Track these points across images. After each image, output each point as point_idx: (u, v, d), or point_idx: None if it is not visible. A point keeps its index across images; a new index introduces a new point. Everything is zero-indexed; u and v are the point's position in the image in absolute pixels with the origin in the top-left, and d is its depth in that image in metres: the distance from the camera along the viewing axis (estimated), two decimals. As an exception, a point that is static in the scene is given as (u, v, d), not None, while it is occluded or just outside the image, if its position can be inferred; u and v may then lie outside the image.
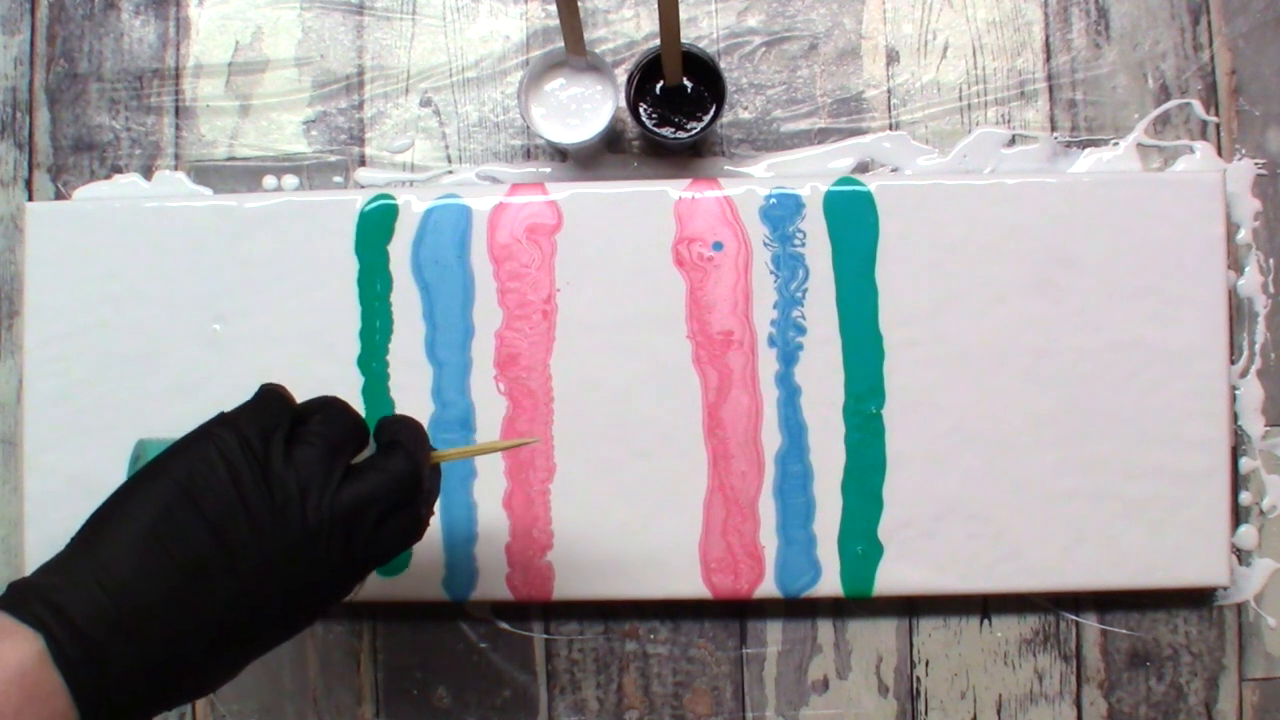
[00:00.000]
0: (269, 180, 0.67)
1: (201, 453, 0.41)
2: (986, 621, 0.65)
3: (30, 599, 0.38)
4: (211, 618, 0.40)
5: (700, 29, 0.67)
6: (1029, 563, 0.62)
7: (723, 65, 0.66)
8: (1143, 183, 0.63)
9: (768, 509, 0.63)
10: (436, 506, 0.55)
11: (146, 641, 0.39)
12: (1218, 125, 0.66)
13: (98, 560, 0.39)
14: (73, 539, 0.40)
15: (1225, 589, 0.64)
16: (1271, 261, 0.66)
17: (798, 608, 0.65)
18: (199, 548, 0.40)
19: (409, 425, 0.46)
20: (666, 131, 0.63)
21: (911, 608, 0.65)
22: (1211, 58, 0.66)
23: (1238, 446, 0.65)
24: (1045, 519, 0.62)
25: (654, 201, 0.64)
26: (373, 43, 0.68)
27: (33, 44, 0.69)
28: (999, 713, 0.65)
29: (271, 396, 0.44)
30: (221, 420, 0.42)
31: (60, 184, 0.68)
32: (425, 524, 0.46)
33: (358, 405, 0.63)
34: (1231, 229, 0.65)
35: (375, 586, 0.63)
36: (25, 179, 0.68)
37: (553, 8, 0.67)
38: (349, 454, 0.44)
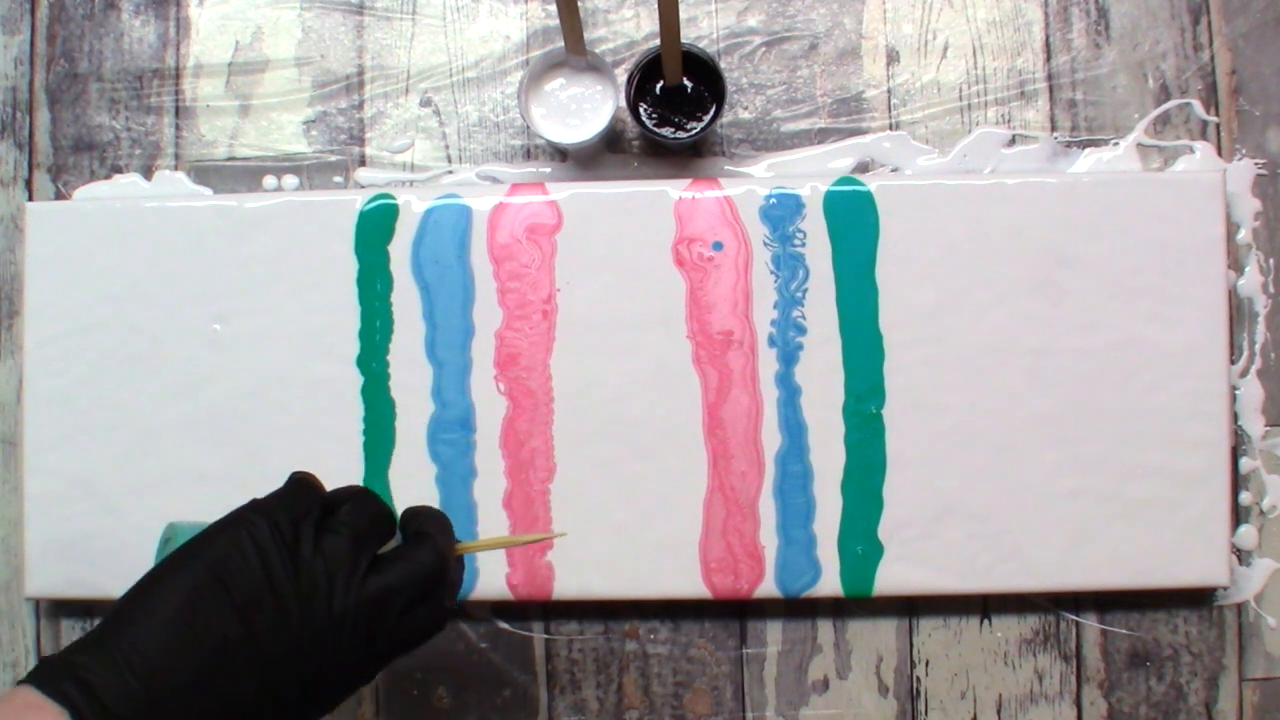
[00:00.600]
0: (269, 180, 0.67)
1: (233, 538, 0.42)
2: (986, 621, 0.65)
3: (60, 676, 0.39)
4: (235, 701, 0.41)
5: (700, 29, 0.67)
6: (1029, 563, 0.62)
7: (723, 65, 0.66)
8: (1143, 183, 0.63)
9: (768, 509, 0.63)
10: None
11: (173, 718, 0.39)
12: (1218, 125, 0.66)
13: (128, 641, 0.40)
14: (104, 619, 0.41)
15: (1225, 589, 0.64)
16: (1271, 261, 0.66)
17: (798, 608, 0.65)
18: (227, 632, 0.40)
19: (436, 518, 0.48)
20: (666, 131, 0.63)
21: (911, 608, 0.65)
22: (1211, 58, 0.66)
23: (1238, 446, 0.65)
24: (1045, 519, 0.62)
25: (654, 201, 0.64)
26: (373, 43, 0.68)
27: (33, 44, 0.69)
28: (999, 713, 0.65)
29: (302, 485, 0.46)
30: (254, 507, 0.44)
31: (60, 184, 0.68)
32: (448, 615, 0.47)
33: (357, 405, 0.63)
34: (1231, 229, 0.65)
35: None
36: (25, 179, 0.68)
37: (553, 8, 0.67)
38: (376, 544, 0.45)
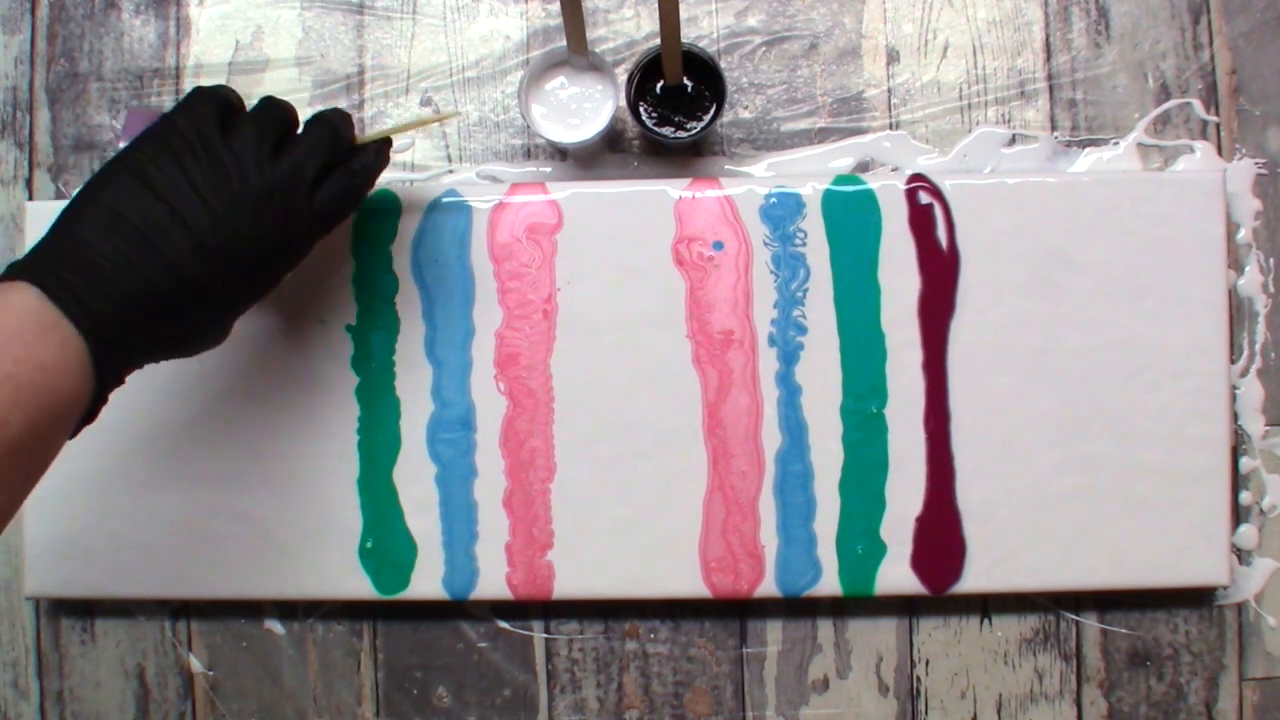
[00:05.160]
0: (269, 180, 0.67)
1: (151, 142, 0.50)
2: (986, 621, 0.65)
3: (22, 266, 0.47)
4: (170, 264, 0.48)
5: (700, 28, 0.67)
6: (1029, 563, 0.62)
7: (723, 65, 0.66)
8: (1143, 183, 0.63)
9: (768, 508, 0.63)
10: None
11: (117, 284, 0.47)
12: (1218, 125, 0.66)
13: (70, 233, 0.48)
14: (53, 222, 0.49)
15: (1225, 589, 0.64)
16: (1271, 261, 0.66)
17: (798, 607, 0.65)
18: (152, 212, 0.48)
19: (331, 108, 0.55)
20: (666, 131, 0.63)
21: (911, 608, 0.65)
22: (1212, 57, 0.66)
23: (1238, 446, 0.65)
24: (1045, 519, 0.62)
25: (654, 201, 0.64)
26: (373, 42, 0.68)
27: (33, 43, 0.69)
28: (999, 713, 0.65)
29: (201, 94, 0.51)
30: (166, 116, 0.51)
31: (60, 183, 0.68)
32: (361, 193, 0.54)
33: (354, 407, 0.63)
34: (1231, 229, 0.65)
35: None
36: (25, 178, 0.68)
37: (553, 7, 0.67)
38: (278, 133, 0.51)
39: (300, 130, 0.53)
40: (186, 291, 0.48)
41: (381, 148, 0.56)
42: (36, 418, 0.44)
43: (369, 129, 0.68)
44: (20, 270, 0.47)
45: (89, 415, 0.49)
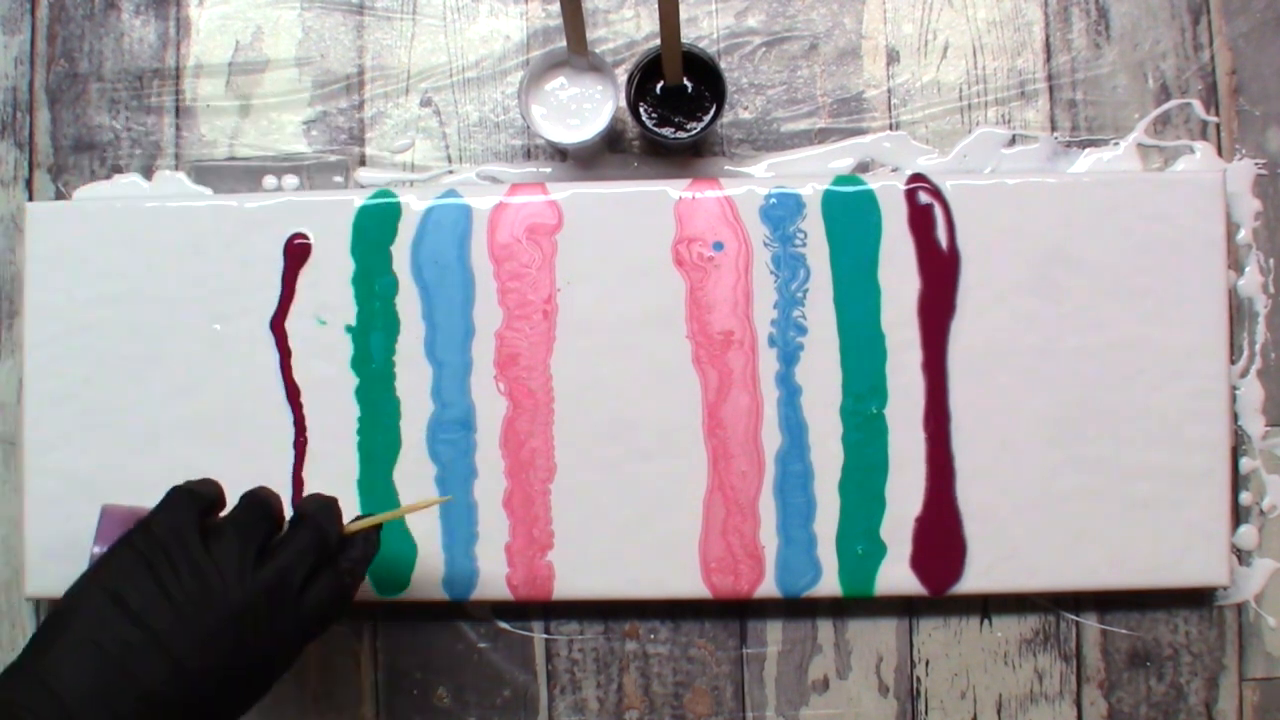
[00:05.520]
0: (269, 180, 0.67)
1: (123, 556, 0.47)
2: (986, 621, 0.65)
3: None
4: (148, 696, 0.44)
5: (700, 29, 0.67)
6: (1029, 563, 0.62)
7: (723, 65, 0.66)
8: (1143, 183, 0.63)
9: (768, 509, 0.63)
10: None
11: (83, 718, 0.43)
12: (1218, 125, 0.66)
13: (42, 665, 0.44)
14: (22, 651, 0.45)
15: (1225, 589, 0.64)
16: (1271, 261, 0.66)
17: (798, 607, 0.65)
18: (128, 637, 0.45)
19: (316, 499, 0.52)
20: (666, 131, 0.63)
21: (911, 608, 0.65)
22: (1212, 58, 0.66)
23: (1238, 446, 0.65)
24: (1045, 519, 0.62)
25: (654, 201, 0.64)
26: (373, 43, 0.68)
27: (33, 44, 0.69)
28: (999, 713, 0.65)
29: (179, 496, 0.49)
30: (140, 526, 0.48)
31: (60, 184, 0.68)
32: (352, 590, 0.51)
33: (353, 407, 0.63)
34: (1231, 229, 0.65)
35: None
36: (25, 179, 0.68)
37: (553, 7, 0.67)
38: (261, 536, 0.49)
39: (285, 530, 0.50)
40: (163, 717, 0.45)
41: (371, 536, 0.53)
42: None
43: (369, 130, 0.68)
44: None
45: None
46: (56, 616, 0.46)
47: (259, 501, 0.50)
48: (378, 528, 0.53)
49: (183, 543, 0.47)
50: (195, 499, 0.49)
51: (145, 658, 0.44)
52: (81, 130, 0.68)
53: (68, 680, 0.44)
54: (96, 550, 0.52)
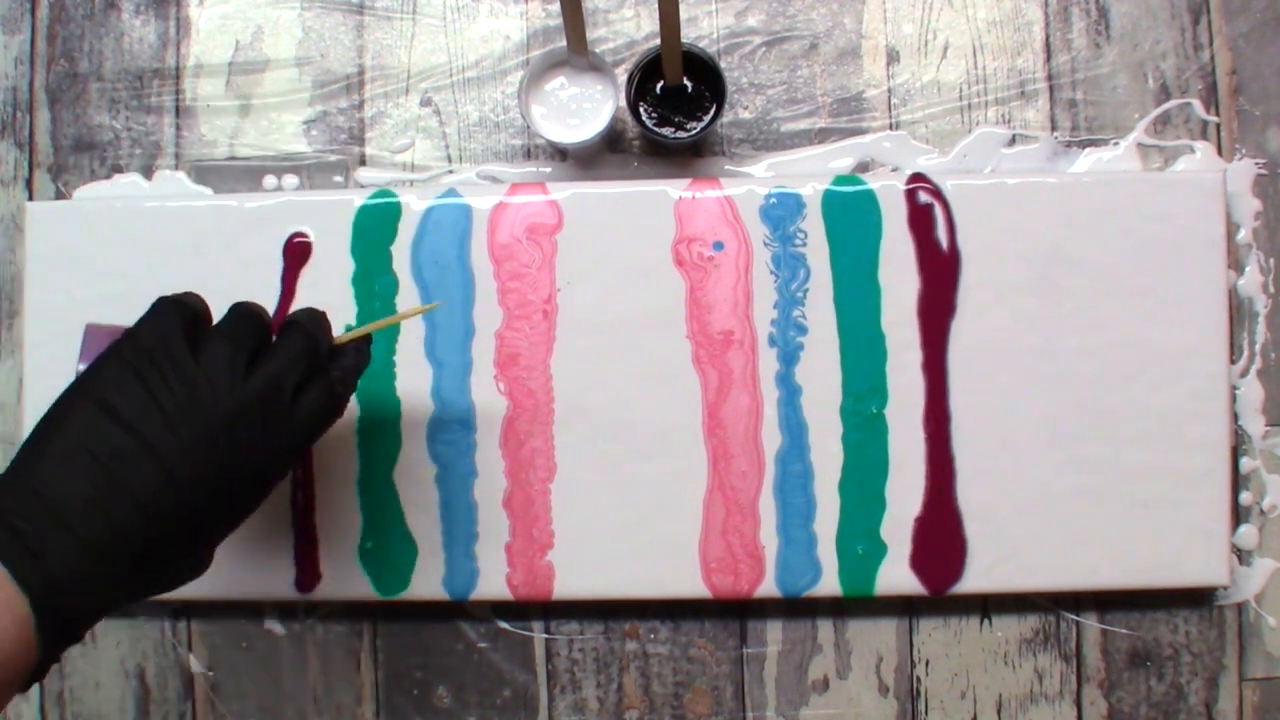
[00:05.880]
0: (269, 180, 0.67)
1: (111, 366, 0.45)
2: (986, 621, 0.65)
3: None
4: (142, 503, 0.43)
5: (700, 29, 0.67)
6: (1029, 563, 0.62)
7: (723, 65, 0.66)
8: (1143, 183, 0.63)
9: (768, 508, 0.63)
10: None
11: (78, 530, 0.42)
12: (1218, 125, 0.66)
13: (30, 471, 0.43)
14: (13, 460, 0.44)
15: (1225, 589, 0.64)
16: (1271, 261, 0.66)
17: (798, 607, 0.65)
18: (118, 444, 0.43)
19: (305, 310, 0.51)
20: (666, 131, 0.63)
21: (911, 608, 0.65)
22: (1212, 57, 0.66)
23: (1238, 446, 0.65)
24: (1045, 519, 0.62)
25: (654, 201, 0.64)
26: (373, 42, 0.68)
27: (33, 44, 0.69)
28: (999, 713, 0.65)
29: (165, 305, 0.47)
30: (129, 334, 0.46)
31: (60, 184, 0.68)
32: (343, 401, 0.50)
33: (354, 407, 0.63)
34: (1231, 229, 0.65)
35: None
36: (25, 179, 0.68)
37: (553, 7, 0.67)
38: (250, 344, 0.47)
39: (275, 339, 0.49)
40: (159, 526, 0.43)
41: (362, 346, 0.52)
42: None
43: (369, 130, 0.68)
44: None
45: (37, 674, 0.43)
46: (44, 427, 0.44)
47: (248, 312, 0.49)
48: (368, 338, 0.52)
49: (171, 351, 0.45)
50: (182, 308, 0.47)
51: (137, 465, 0.43)
52: (81, 130, 0.68)
53: (61, 488, 0.42)
54: (81, 368, 0.49)
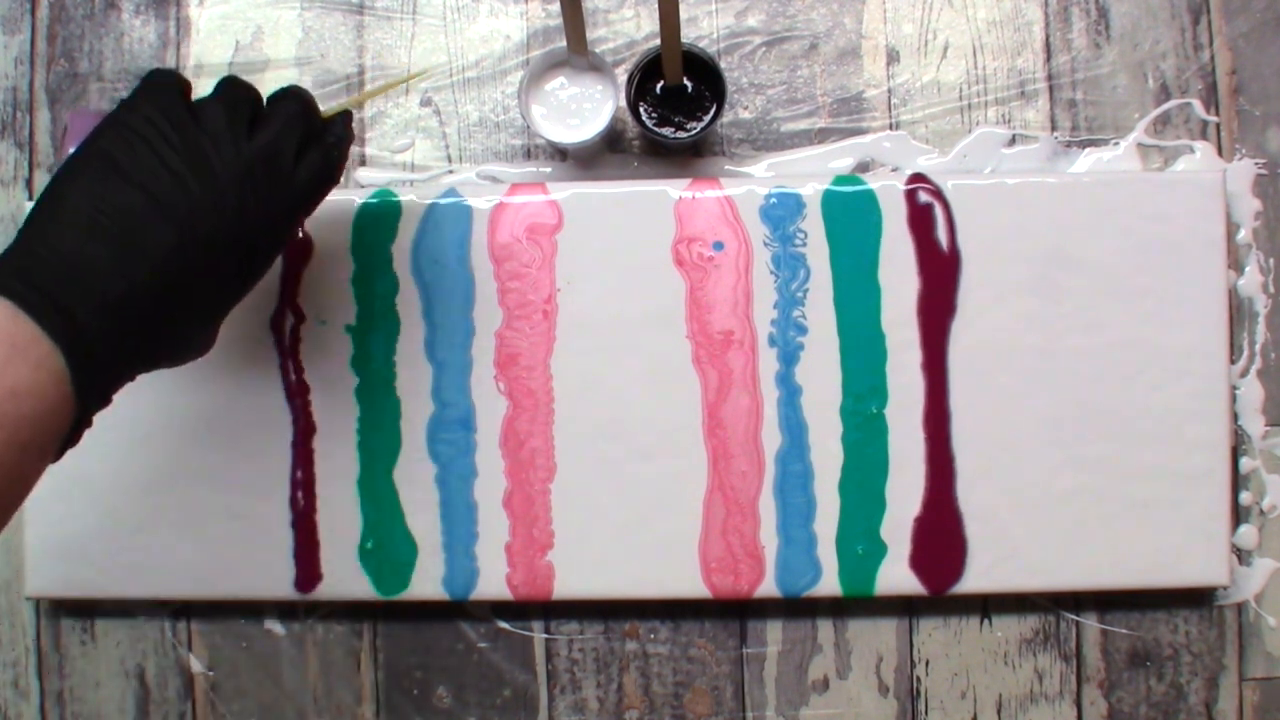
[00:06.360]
0: (269, 180, 0.67)
1: (114, 132, 0.45)
2: (986, 621, 0.65)
3: (6, 276, 0.42)
4: (156, 261, 0.44)
5: (700, 29, 0.67)
6: (1029, 563, 0.62)
7: (723, 65, 0.66)
8: (1143, 183, 0.63)
9: (768, 508, 0.63)
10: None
11: (101, 287, 0.43)
12: (1218, 125, 0.66)
13: (44, 233, 0.43)
14: (20, 227, 0.44)
15: (1225, 589, 0.64)
16: (1271, 261, 0.66)
17: (798, 607, 0.65)
18: (130, 202, 0.44)
19: (292, 87, 0.51)
20: (666, 131, 0.63)
21: (911, 608, 0.65)
22: (1212, 57, 0.66)
23: (1238, 446, 0.65)
24: (1045, 519, 0.62)
25: (654, 201, 0.64)
26: (373, 43, 0.68)
27: (33, 44, 0.69)
28: (999, 713, 0.65)
29: (160, 75, 0.48)
30: (124, 103, 0.47)
31: (60, 184, 0.68)
32: (340, 166, 0.51)
33: (354, 407, 0.63)
34: (1231, 229, 0.65)
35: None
36: (25, 179, 0.68)
37: (553, 7, 0.67)
38: (247, 110, 0.48)
39: (269, 105, 0.49)
40: (175, 288, 0.44)
41: (347, 119, 0.52)
42: (5, 450, 0.40)
43: (369, 130, 0.68)
44: (7, 277, 0.42)
45: (71, 438, 0.44)
46: (53, 192, 0.44)
47: (239, 81, 0.49)
48: (349, 115, 0.53)
49: (172, 114, 0.45)
50: (176, 79, 0.48)
51: (150, 222, 0.44)
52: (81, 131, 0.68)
53: (82, 250, 0.43)
54: (71, 149, 0.49)
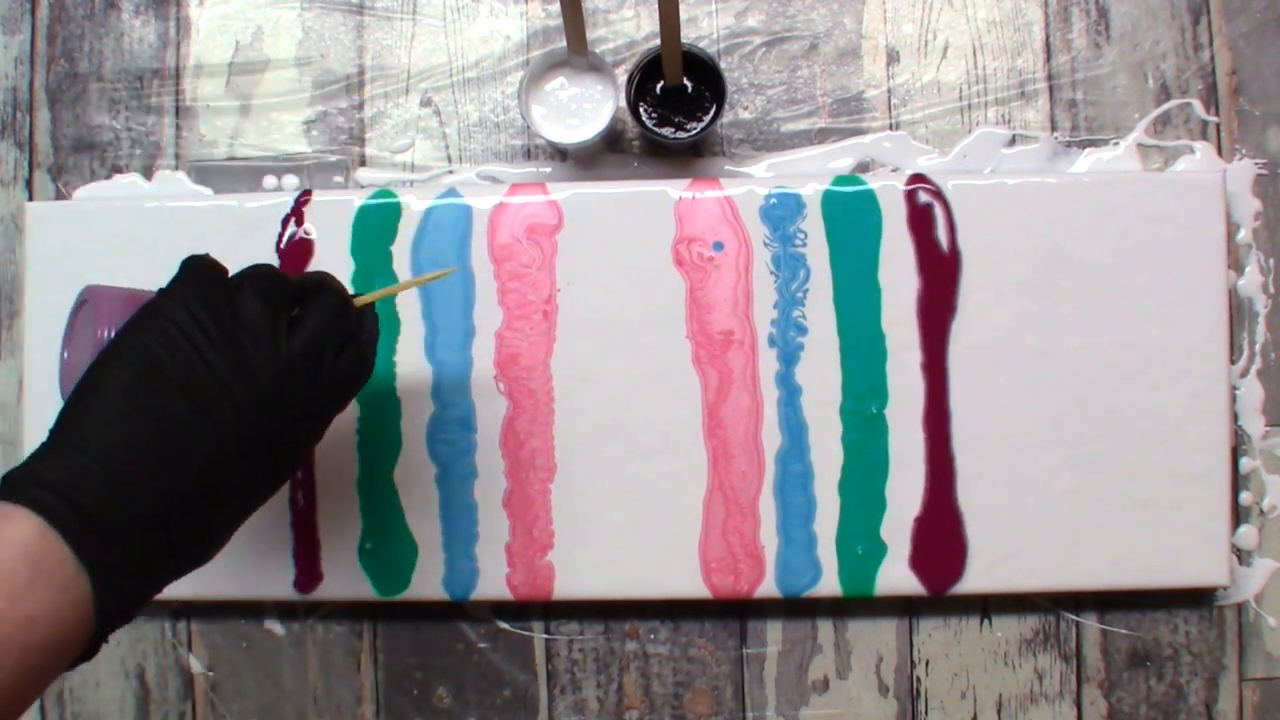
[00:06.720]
0: (269, 180, 0.67)
1: (154, 325, 0.43)
2: (986, 621, 0.65)
3: (23, 483, 0.40)
4: (197, 470, 0.42)
5: (700, 29, 0.67)
6: (1029, 563, 0.62)
7: (723, 65, 0.66)
8: (1143, 183, 0.63)
9: (768, 508, 0.63)
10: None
11: (140, 500, 0.40)
12: (1218, 125, 0.66)
13: (81, 436, 0.41)
14: (53, 426, 0.42)
15: (1225, 589, 0.64)
16: (1271, 261, 0.66)
17: (798, 607, 0.65)
18: (172, 406, 0.42)
19: (326, 273, 0.50)
20: (666, 131, 0.63)
21: (911, 608, 0.65)
22: (1212, 57, 0.66)
23: (1238, 446, 0.65)
24: (1045, 519, 0.62)
25: (654, 201, 0.64)
26: (373, 43, 0.68)
27: (33, 44, 0.69)
28: (999, 713, 0.65)
29: (199, 266, 0.46)
30: (163, 294, 0.45)
31: (60, 184, 0.68)
32: (371, 362, 0.50)
33: (353, 407, 0.63)
34: (1231, 229, 0.65)
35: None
36: (25, 179, 0.68)
37: (553, 7, 0.67)
38: (286, 306, 0.46)
39: (308, 300, 0.47)
40: (210, 496, 0.42)
41: (374, 312, 0.51)
42: (15, 676, 0.37)
43: (369, 130, 0.68)
44: (22, 486, 0.40)
45: (86, 654, 0.41)
46: (88, 389, 0.42)
47: (272, 271, 0.47)
48: (373, 305, 0.51)
49: (212, 309, 0.43)
50: (211, 267, 0.46)
51: (192, 427, 0.42)
52: (81, 130, 0.68)
53: (120, 456, 0.40)
54: (104, 334, 0.46)
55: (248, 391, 0.43)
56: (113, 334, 0.45)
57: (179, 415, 0.42)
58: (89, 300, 0.49)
